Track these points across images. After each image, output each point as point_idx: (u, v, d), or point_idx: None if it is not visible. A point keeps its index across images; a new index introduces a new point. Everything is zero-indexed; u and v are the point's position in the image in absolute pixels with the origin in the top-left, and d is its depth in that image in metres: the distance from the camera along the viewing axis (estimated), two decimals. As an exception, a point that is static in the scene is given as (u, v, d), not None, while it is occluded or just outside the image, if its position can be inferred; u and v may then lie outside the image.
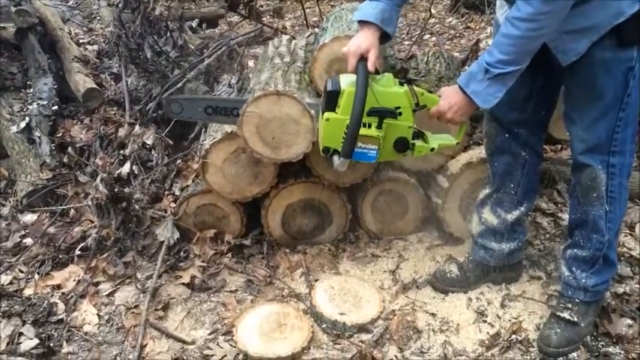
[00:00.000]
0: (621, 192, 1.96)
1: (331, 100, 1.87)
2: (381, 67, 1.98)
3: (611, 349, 2.07)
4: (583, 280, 2.05)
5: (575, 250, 2.06)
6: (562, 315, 2.08)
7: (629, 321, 2.18)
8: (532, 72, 1.83)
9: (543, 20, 1.65)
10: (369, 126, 1.85)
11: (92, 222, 2.77)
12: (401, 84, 1.92)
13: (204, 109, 2.32)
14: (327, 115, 1.87)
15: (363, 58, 1.86)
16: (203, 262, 2.59)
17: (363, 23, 1.93)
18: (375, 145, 1.86)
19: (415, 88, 1.94)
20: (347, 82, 1.87)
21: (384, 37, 1.96)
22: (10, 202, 3.09)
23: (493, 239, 2.31)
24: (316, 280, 2.48)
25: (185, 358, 2.14)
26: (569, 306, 2.09)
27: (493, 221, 2.27)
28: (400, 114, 1.88)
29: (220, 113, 2.32)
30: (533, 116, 2.09)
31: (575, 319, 2.06)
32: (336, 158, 1.92)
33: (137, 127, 2.81)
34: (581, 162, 1.93)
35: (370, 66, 1.85)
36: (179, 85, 3.23)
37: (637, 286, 2.36)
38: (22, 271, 2.61)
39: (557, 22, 1.67)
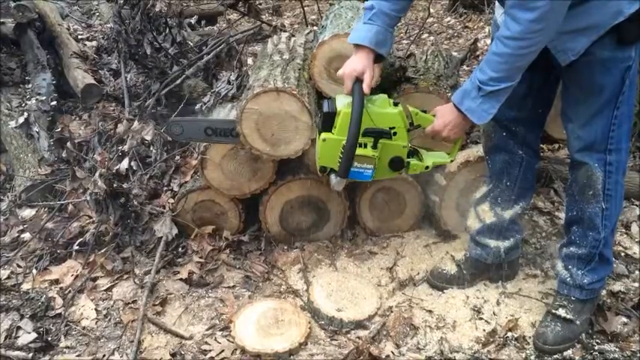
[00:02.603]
0: (617, 189, 1.97)
1: (327, 120, 1.91)
2: (376, 83, 2.06)
3: (606, 347, 2.08)
4: (579, 278, 2.06)
5: (572, 248, 2.07)
6: (558, 313, 2.09)
7: (625, 319, 2.19)
8: (530, 70, 1.82)
9: (533, 38, 1.67)
10: (365, 146, 1.90)
11: (90, 217, 2.77)
12: (395, 104, 1.96)
13: (203, 130, 2.37)
14: (323, 135, 1.92)
15: (358, 80, 1.90)
16: (201, 258, 2.60)
17: (357, 46, 1.97)
18: (370, 165, 1.93)
19: (410, 108, 1.99)
20: (343, 103, 1.91)
21: (378, 58, 2.00)
22: (8, 197, 3.09)
23: (490, 236, 2.32)
24: (314, 277, 2.49)
25: (183, 353, 2.15)
26: (565, 303, 2.10)
27: (490, 218, 2.28)
28: (395, 134, 1.93)
29: (220, 134, 2.38)
30: (531, 114, 2.10)
31: (571, 316, 2.07)
32: (333, 177, 1.96)
33: (136, 123, 2.81)
34: (578, 160, 1.94)
35: (365, 88, 1.89)
36: (178, 81, 3.23)
37: (633, 284, 2.37)
38: (20, 266, 2.61)
39: (547, 39, 1.70)
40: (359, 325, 2.23)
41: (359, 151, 1.87)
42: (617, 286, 2.34)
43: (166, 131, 2.50)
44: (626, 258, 2.53)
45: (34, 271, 2.55)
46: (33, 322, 2.28)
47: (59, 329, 2.26)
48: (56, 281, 2.51)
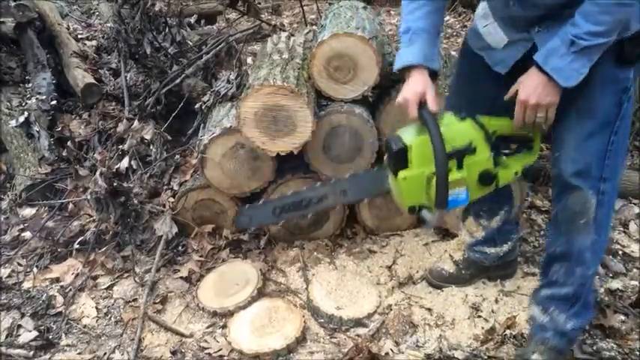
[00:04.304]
0: (608, 222, 1.84)
1: (400, 158, 1.76)
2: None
3: (603, 345, 2.09)
4: (561, 323, 1.89)
5: (554, 289, 1.89)
6: (531, 358, 1.92)
7: (622, 317, 2.20)
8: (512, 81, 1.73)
9: None
10: (450, 169, 1.73)
11: (91, 216, 2.79)
12: (462, 118, 1.81)
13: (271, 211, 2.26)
14: (401, 174, 1.76)
15: (421, 104, 1.75)
16: (201, 256, 2.61)
17: (407, 70, 1.81)
18: (463, 187, 1.77)
19: (479, 116, 1.84)
20: (410, 134, 1.77)
21: (432, 75, 1.83)
22: (8, 195, 3.10)
23: (486, 245, 2.31)
24: (313, 275, 2.50)
25: (183, 351, 2.16)
26: (542, 349, 1.92)
27: (480, 232, 2.27)
28: (475, 148, 1.77)
29: (289, 210, 2.24)
30: None
31: None
32: (426, 213, 1.80)
33: (136, 122, 2.81)
34: (572, 184, 1.75)
35: (432, 106, 1.74)
36: (177, 80, 3.24)
37: (630, 282, 2.39)
38: (20, 265, 2.62)
39: None
40: (358, 323, 2.24)
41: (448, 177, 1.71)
42: (615, 284, 2.36)
43: (235, 224, 2.47)
44: (624, 256, 2.55)
45: (35, 269, 2.57)
46: (34, 320, 2.30)
47: (60, 327, 2.28)
48: (57, 280, 2.53)
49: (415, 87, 1.76)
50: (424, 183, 1.74)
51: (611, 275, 2.42)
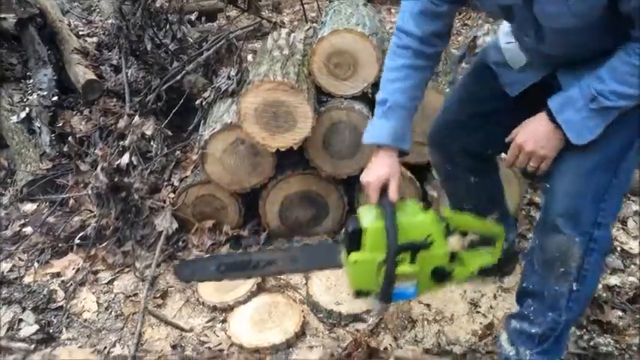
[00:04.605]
0: (595, 271, 1.65)
1: (354, 239, 1.67)
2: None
3: (601, 340, 2.10)
4: (527, 359, 1.74)
5: (524, 325, 1.72)
6: None
7: (620, 313, 2.22)
8: (498, 99, 1.71)
9: None
10: (402, 262, 1.64)
11: (91, 212, 2.80)
12: (426, 209, 1.72)
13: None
14: (353, 257, 1.67)
15: (384, 191, 1.65)
16: (201, 251, 2.63)
17: (375, 147, 1.73)
18: (412, 281, 1.68)
19: (444, 209, 1.80)
20: (369, 217, 1.68)
21: (401, 154, 1.75)
22: (9, 191, 3.12)
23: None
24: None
25: (183, 345, 2.18)
26: None
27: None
28: (432, 242, 1.68)
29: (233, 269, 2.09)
30: (481, 148, 1.94)
31: None
32: (373, 301, 1.72)
33: (137, 118, 2.83)
34: (556, 226, 1.56)
35: (393, 196, 1.64)
36: (178, 77, 3.25)
37: (628, 278, 2.40)
38: (21, 259, 2.64)
39: None
40: (357, 318, 2.25)
41: (397, 270, 1.63)
42: (614, 280, 2.37)
43: (175, 274, 2.23)
44: (623, 253, 2.55)
45: (36, 264, 2.59)
46: (35, 314, 2.31)
47: (61, 321, 2.29)
48: (58, 274, 2.54)
49: (379, 171, 1.67)
50: (375, 269, 1.64)
51: (609, 272, 2.42)
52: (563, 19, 1.40)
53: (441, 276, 1.72)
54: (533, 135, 1.53)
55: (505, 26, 1.77)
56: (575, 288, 1.60)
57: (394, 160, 1.70)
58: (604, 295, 2.29)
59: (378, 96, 1.74)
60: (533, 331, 1.69)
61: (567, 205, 1.55)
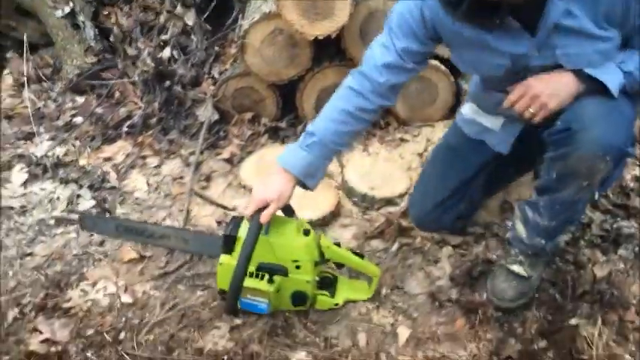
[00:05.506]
0: (617, 176, 1.80)
1: (228, 243, 1.78)
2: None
3: (624, 223, 2.17)
4: (540, 245, 1.80)
5: (536, 217, 1.73)
6: (512, 269, 1.87)
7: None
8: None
9: None
10: (262, 277, 1.77)
11: (136, 103, 2.93)
12: (306, 233, 1.78)
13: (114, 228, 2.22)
14: (222, 258, 1.79)
15: (260, 210, 1.69)
16: (241, 141, 2.74)
17: (280, 167, 1.75)
18: (264, 299, 1.77)
19: (323, 239, 1.83)
20: (246, 229, 1.73)
21: (303, 186, 1.80)
22: (58, 85, 3.25)
23: None
24: (347, 161, 2.61)
25: (227, 221, 2.34)
26: (521, 259, 1.86)
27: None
28: (298, 267, 1.78)
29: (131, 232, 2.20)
30: (472, 207, 2.11)
31: (526, 274, 1.86)
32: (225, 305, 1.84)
33: (179, 7, 2.87)
34: (585, 145, 1.50)
35: (262, 219, 1.68)
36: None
37: None
38: (74, 145, 2.80)
39: None
40: (390, 202, 2.37)
41: (253, 283, 1.74)
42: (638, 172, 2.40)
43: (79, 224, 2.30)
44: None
45: (88, 149, 2.75)
46: (91, 191, 2.50)
47: (115, 199, 2.47)
48: (109, 159, 2.71)
49: (268, 193, 1.70)
50: None
51: (638, 164, 2.46)
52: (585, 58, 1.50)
53: (300, 300, 1.83)
54: (547, 81, 1.54)
55: (468, 109, 1.98)
56: (597, 197, 1.77)
57: (289, 189, 1.74)
58: (631, 184, 2.34)
59: (309, 127, 1.76)
60: (545, 224, 1.72)
61: (598, 126, 1.50)
